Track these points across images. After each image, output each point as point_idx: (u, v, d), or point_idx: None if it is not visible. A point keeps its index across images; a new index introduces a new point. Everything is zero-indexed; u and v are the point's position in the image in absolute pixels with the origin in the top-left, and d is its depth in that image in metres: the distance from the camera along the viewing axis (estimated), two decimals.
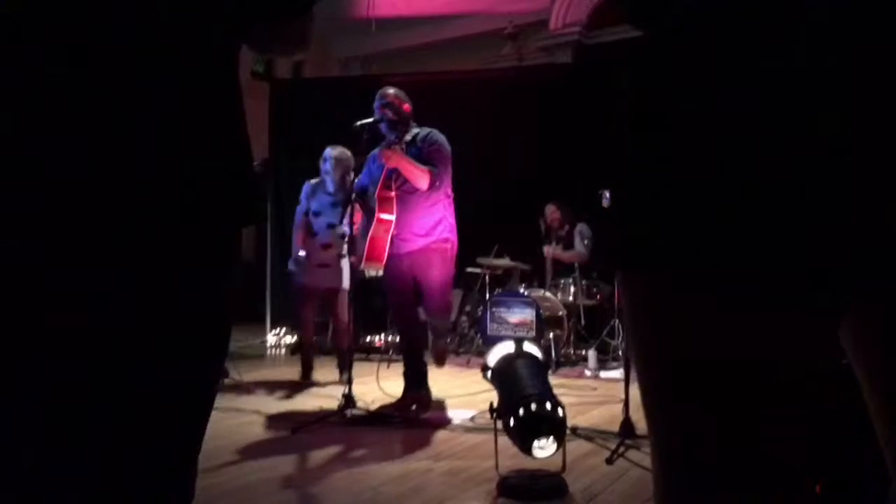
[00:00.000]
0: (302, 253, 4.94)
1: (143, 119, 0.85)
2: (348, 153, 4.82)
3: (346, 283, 4.91)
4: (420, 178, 3.96)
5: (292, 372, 5.23)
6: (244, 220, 0.97)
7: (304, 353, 5.14)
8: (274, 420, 3.84)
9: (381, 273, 4.28)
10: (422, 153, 4.06)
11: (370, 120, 4.10)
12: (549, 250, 6.37)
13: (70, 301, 0.84)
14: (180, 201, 0.87)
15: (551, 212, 6.36)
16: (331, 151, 4.90)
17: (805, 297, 0.64)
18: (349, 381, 3.87)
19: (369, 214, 4.14)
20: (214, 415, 0.99)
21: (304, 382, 4.95)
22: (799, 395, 0.67)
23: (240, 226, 0.97)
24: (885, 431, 0.70)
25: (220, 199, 0.92)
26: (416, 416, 3.92)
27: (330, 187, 4.91)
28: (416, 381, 4.15)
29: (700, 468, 0.69)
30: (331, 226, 4.90)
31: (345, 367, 4.90)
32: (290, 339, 6.67)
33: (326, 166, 4.88)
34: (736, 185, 0.62)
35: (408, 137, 4.16)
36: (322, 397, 4.39)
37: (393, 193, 4.06)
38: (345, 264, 4.91)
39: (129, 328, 0.86)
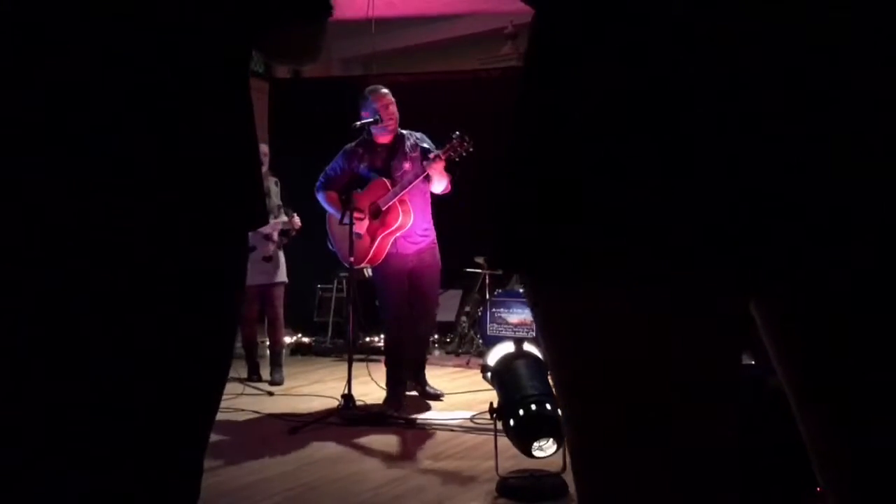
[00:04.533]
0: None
1: (155, 122, 0.85)
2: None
3: (284, 276, 5.03)
4: (446, 186, 4.19)
5: (292, 372, 5.23)
6: (251, 221, 0.97)
7: (250, 352, 5.09)
8: (274, 420, 3.84)
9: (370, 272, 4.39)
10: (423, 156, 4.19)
11: (370, 119, 4.11)
12: None
13: (71, 299, 0.84)
14: (189, 203, 0.88)
15: None
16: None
17: (707, 291, 0.62)
18: (348, 381, 3.87)
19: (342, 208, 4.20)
20: None
21: (253, 382, 4.91)
22: (707, 394, 0.65)
23: (247, 228, 0.98)
24: (802, 430, 0.69)
25: (229, 201, 0.92)
26: (413, 416, 3.92)
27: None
28: (400, 384, 4.25)
29: (611, 469, 0.67)
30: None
31: (278, 366, 5.02)
32: (289, 339, 6.66)
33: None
34: (633, 180, 0.61)
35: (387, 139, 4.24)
36: (322, 397, 4.39)
37: (406, 197, 4.13)
38: (282, 257, 5.02)
39: (136, 329, 0.86)
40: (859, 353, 0.61)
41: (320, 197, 4.34)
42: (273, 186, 5.06)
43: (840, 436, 0.64)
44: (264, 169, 5.05)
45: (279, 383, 4.90)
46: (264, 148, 5.10)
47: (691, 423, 0.65)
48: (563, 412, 0.72)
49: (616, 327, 0.64)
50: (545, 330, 0.71)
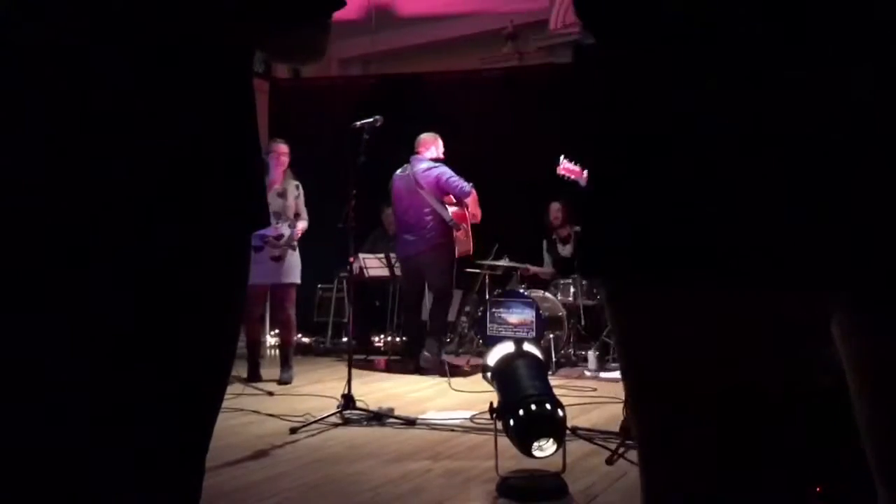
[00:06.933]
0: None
1: (158, 122, 0.85)
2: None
3: (296, 277, 4.97)
4: None
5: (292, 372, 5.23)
6: (255, 222, 0.97)
7: (252, 352, 5.05)
8: (274, 420, 3.84)
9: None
10: None
11: (370, 120, 4.13)
12: (529, 266, 6.40)
13: (73, 300, 0.84)
14: (190, 203, 0.88)
15: (555, 210, 6.37)
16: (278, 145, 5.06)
17: (794, 295, 0.63)
18: (348, 381, 3.87)
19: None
20: None
21: (253, 382, 4.87)
22: (785, 397, 0.66)
23: (248, 228, 0.98)
24: (862, 431, 0.69)
25: (233, 201, 0.92)
26: (413, 416, 3.93)
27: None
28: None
29: (688, 475, 0.68)
30: (276, 214, 4.87)
31: (286, 365, 5.00)
32: None
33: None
34: (724, 187, 0.61)
35: None
36: (322, 397, 4.39)
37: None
38: (297, 258, 4.96)
39: (137, 329, 0.86)
40: None
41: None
42: (293, 189, 4.97)
43: None
44: (282, 169, 4.96)
45: (287, 382, 4.89)
46: (283, 147, 5.02)
47: (767, 424, 0.66)
48: (636, 409, 0.73)
49: (703, 329, 0.65)
50: (626, 332, 0.71)
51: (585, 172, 4.65)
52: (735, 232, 0.61)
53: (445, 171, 5.47)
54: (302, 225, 5.00)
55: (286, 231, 4.88)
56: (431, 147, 5.56)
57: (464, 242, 5.52)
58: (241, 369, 4.94)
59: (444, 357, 5.44)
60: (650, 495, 0.71)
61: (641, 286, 0.67)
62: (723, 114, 0.62)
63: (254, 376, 4.96)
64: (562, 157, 5.25)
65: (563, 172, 5.25)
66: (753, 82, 0.61)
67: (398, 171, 5.59)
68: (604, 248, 0.69)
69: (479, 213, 5.68)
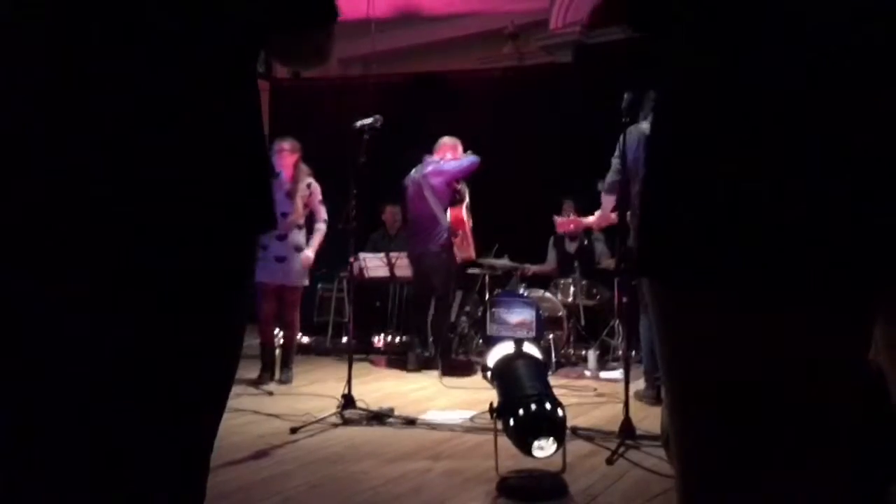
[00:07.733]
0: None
1: (161, 124, 0.85)
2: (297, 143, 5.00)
3: (301, 280, 4.91)
4: None
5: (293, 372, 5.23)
6: (262, 224, 0.97)
7: (265, 352, 5.00)
8: (274, 420, 3.84)
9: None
10: None
11: (370, 120, 4.12)
12: (529, 266, 6.41)
13: (84, 298, 0.84)
14: (194, 203, 0.88)
15: (567, 208, 6.38)
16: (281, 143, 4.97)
17: (831, 294, 0.64)
18: (348, 381, 3.87)
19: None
20: None
21: (263, 383, 4.84)
22: (826, 397, 0.66)
23: (258, 231, 0.98)
24: None
25: (236, 203, 0.92)
26: (413, 416, 3.93)
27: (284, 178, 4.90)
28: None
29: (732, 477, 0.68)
30: (283, 214, 4.77)
31: (286, 366, 4.97)
32: None
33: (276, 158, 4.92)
34: (762, 190, 0.62)
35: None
36: (322, 397, 4.39)
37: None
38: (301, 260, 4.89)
39: (140, 329, 0.86)
40: None
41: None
42: (303, 189, 4.86)
43: None
44: (289, 166, 4.88)
45: (287, 382, 4.87)
46: (285, 145, 4.93)
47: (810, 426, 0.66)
48: (677, 408, 0.73)
49: (750, 328, 0.66)
50: (674, 332, 0.71)
51: (592, 216, 4.73)
52: (791, 244, 0.62)
53: (448, 167, 5.51)
54: (317, 228, 4.91)
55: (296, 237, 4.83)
56: (447, 154, 5.62)
57: (464, 248, 5.52)
58: (242, 370, 4.92)
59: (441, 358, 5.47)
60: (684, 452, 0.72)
61: (703, 287, 0.68)
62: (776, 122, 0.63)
63: (263, 377, 4.90)
64: (554, 217, 5.25)
65: (562, 231, 5.28)
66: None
67: (412, 172, 5.65)
68: (674, 252, 0.70)
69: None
